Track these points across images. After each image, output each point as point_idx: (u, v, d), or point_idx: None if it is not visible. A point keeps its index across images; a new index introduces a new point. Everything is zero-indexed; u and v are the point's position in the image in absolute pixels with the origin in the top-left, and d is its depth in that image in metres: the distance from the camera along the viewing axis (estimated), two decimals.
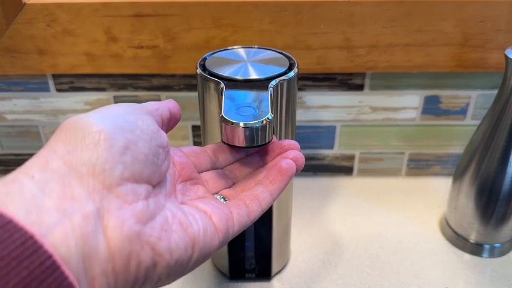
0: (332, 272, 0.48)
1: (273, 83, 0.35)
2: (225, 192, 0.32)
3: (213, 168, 0.34)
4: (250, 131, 0.30)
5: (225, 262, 0.47)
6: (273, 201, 0.31)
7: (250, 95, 0.34)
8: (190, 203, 0.29)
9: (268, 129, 0.31)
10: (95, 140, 0.23)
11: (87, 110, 0.57)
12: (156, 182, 0.26)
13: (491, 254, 0.50)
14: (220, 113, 0.31)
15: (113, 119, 0.25)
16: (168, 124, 0.31)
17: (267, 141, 0.32)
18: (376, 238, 0.53)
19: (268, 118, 0.31)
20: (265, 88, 0.35)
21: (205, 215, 0.28)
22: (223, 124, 0.31)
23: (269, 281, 0.47)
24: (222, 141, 0.32)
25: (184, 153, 0.33)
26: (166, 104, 0.31)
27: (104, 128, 0.23)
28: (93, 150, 0.23)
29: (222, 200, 0.31)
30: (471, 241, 0.50)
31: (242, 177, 0.33)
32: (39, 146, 0.60)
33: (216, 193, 0.32)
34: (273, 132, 0.35)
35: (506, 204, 0.47)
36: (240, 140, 0.31)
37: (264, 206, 0.31)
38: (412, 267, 0.49)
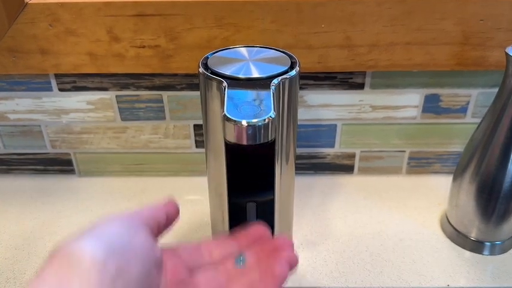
0: (333, 269, 0.49)
1: (275, 81, 0.36)
2: None
3: (208, 263, 0.33)
4: (253, 129, 0.31)
5: None
6: None
7: (252, 93, 0.34)
8: None
9: (271, 127, 0.31)
10: (85, 270, 0.23)
11: (89, 110, 0.58)
12: None
13: (492, 252, 0.50)
14: (223, 111, 0.32)
15: (106, 241, 0.25)
16: (165, 227, 0.31)
17: (269, 139, 0.32)
18: (377, 236, 0.53)
19: (270, 116, 0.31)
20: (267, 87, 0.35)
21: None
22: (225, 122, 0.31)
23: None
24: (224, 139, 0.32)
25: (178, 253, 0.32)
26: (165, 209, 0.31)
27: (95, 256, 0.24)
28: (84, 280, 0.23)
29: None
30: (472, 238, 0.51)
31: (237, 276, 0.32)
32: (42, 146, 0.60)
33: None
34: (275, 130, 0.35)
35: (507, 202, 0.48)
36: (242, 138, 0.31)
37: None
38: (413, 265, 0.49)
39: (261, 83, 0.35)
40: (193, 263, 0.32)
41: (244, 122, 0.31)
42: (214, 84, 0.37)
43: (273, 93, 0.34)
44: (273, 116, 0.31)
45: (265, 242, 0.34)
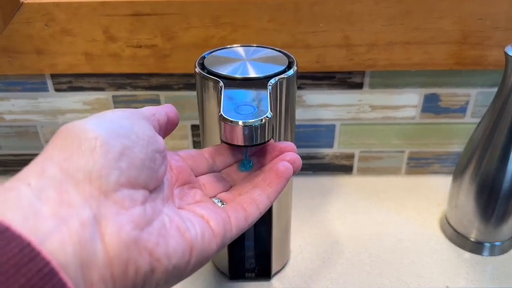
0: (332, 271, 0.48)
1: (272, 81, 0.35)
2: (223, 195, 0.32)
3: (211, 171, 0.34)
4: (250, 130, 0.30)
5: (225, 262, 0.47)
6: (271, 204, 0.31)
7: (249, 93, 0.34)
8: (187, 208, 0.29)
9: (268, 127, 0.31)
10: (91, 146, 0.23)
11: (86, 110, 0.57)
12: (153, 187, 0.26)
13: (492, 253, 0.50)
14: (220, 111, 0.31)
15: (109, 124, 0.25)
16: (166, 129, 0.31)
17: (266, 139, 0.31)
18: (376, 237, 0.53)
19: (267, 116, 0.31)
20: (265, 87, 0.34)
21: (202, 219, 0.27)
22: (222, 123, 0.31)
23: (269, 280, 0.47)
24: (221, 140, 0.32)
25: (181, 157, 0.32)
26: (164, 109, 0.31)
27: (100, 134, 0.23)
28: (89, 156, 0.23)
29: (219, 204, 0.31)
30: (471, 239, 0.50)
31: (240, 180, 0.33)
32: (38, 147, 0.59)
33: (214, 196, 0.32)
34: (273, 131, 0.35)
35: (507, 203, 0.47)
36: (239, 139, 0.31)
37: (262, 209, 0.31)
38: (413, 266, 0.49)
39: (258, 83, 0.35)
40: (197, 167, 0.33)
41: (240, 123, 0.30)
42: (211, 84, 0.36)
43: (270, 93, 0.34)
44: (269, 116, 0.31)
45: (268, 149, 0.34)
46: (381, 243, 0.52)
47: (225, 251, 0.45)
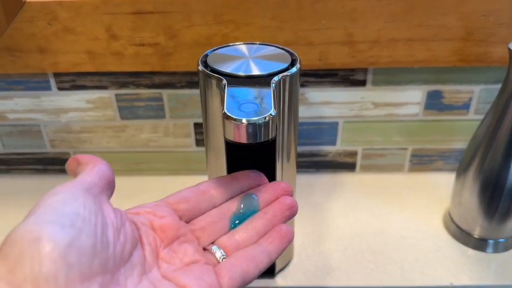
0: (336, 268, 0.48)
1: (276, 78, 0.35)
2: (223, 241, 0.32)
3: (211, 207, 0.33)
4: (253, 128, 0.30)
5: None
6: (271, 263, 0.31)
7: (253, 91, 0.34)
8: (172, 276, 0.27)
9: (271, 125, 0.31)
10: (34, 249, 0.22)
11: (89, 109, 0.57)
12: (115, 267, 0.25)
13: (496, 249, 0.50)
14: (223, 109, 0.31)
15: (51, 217, 0.23)
16: (108, 190, 0.29)
17: (270, 137, 0.31)
18: (379, 234, 0.53)
19: (271, 114, 0.31)
20: (268, 84, 0.34)
21: None
22: (225, 121, 0.31)
23: (273, 278, 0.47)
24: (224, 138, 0.32)
25: (172, 205, 0.32)
26: (100, 172, 0.28)
27: (41, 233, 0.22)
28: (34, 260, 0.21)
29: (220, 254, 0.31)
30: (475, 236, 0.50)
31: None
32: (41, 145, 0.60)
33: (213, 243, 0.32)
34: (276, 129, 0.35)
35: (511, 199, 0.47)
36: (243, 137, 0.31)
37: (262, 268, 0.30)
38: (416, 263, 0.49)
39: (261, 81, 0.35)
40: (194, 208, 0.32)
41: (244, 121, 0.30)
42: (214, 82, 0.36)
43: (274, 91, 0.34)
44: (273, 114, 0.31)
45: (265, 186, 0.35)
46: (384, 241, 0.52)
47: None
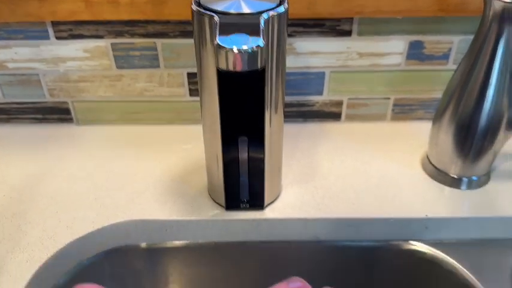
0: (320, 202, 0.52)
1: (265, 16, 0.38)
2: None
3: None
4: (243, 56, 0.33)
5: (221, 195, 0.50)
6: None
7: (243, 26, 0.37)
8: None
9: (260, 55, 0.34)
10: None
11: (86, 58, 0.60)
12: None
13: (469, 186, 0.54)
14: (215, 41, 0.34)
15: None
16: None
17: (259, 66, 0.35)
18: (361, 175, 0.56)
19: (259, 45, 0.34)
20: (257, 21, 0.37)
21: None
22: (218, 50, 0.34)
23: (262, 210, 0.51)
24: (216, 68, 0.35)
25: None
26: None
27: None
28: None
29: None
30: (451, 175, 0.54)
31: None
32: (40, 95, 0.62)
33: None
34: (265, 62, 0.38)
35: (483, 139, 0.51)
36: (233, 64, 0.34)
37: None
38: (395, 198, 0.52)
39: (251, 17, 0.38)
40: None
41: (235, 49, 0.33)
42: (207, 20, 0.39)
43: (262, 28, 0.37)
44: (261, 45, 0.34)
45: None
46: (366, 180, 0.55)
47: (221, 185, 0.49)
